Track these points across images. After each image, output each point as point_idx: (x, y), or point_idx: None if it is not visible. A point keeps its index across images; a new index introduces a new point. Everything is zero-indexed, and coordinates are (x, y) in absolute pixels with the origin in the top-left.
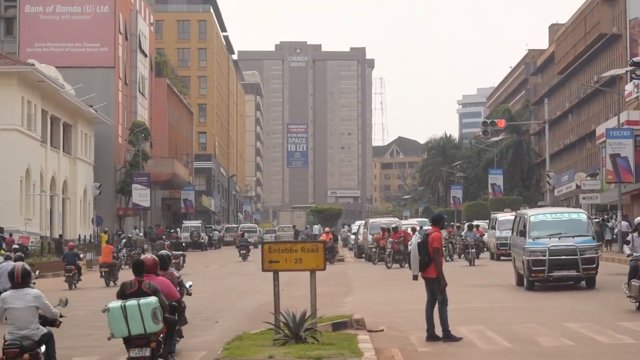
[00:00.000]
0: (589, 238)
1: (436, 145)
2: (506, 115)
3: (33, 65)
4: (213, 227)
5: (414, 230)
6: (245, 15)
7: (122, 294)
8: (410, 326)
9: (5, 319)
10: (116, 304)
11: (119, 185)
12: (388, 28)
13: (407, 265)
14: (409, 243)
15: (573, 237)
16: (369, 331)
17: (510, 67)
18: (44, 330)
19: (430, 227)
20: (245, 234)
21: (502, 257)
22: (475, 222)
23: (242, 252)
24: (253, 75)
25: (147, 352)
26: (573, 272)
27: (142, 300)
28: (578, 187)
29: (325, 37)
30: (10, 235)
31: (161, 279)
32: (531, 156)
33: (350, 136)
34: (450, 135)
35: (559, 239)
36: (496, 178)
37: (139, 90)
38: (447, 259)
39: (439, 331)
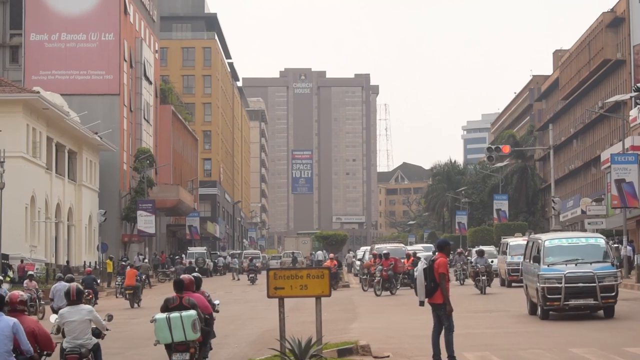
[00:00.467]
0: (607, 264)
1: (441, 171)
2: (511, 141)
3: (38, 92)
4: (218, 253)
5: (408, 256)
6: (250, 42)
7: (166, 308)
8: (416, 352)
9: (63, 332)
10: (162, 315)
11: (124, 212)
12: (392, 54)
13: (396, 292)
14: (415, 270)
15: (591, 263)
16: (375, 357)
17: (515, 92)
18: (95, 340)
19: (436, 253)
20: (253, 259)
21: (513, 284)
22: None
23: (250, 275)
24: (258, 102)
25: (187, 356)
26: (591, 301)
27: (184, 313)
28: (583, 212)
29: (330, 64)
30: (22, 261)
31: (197, 295)
32: (536, 182)
33: (355, 162)
34: (455, 161)
35: (576, 265)
36: (501, 204)
37: (144, 117)
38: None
39: (445, 357)
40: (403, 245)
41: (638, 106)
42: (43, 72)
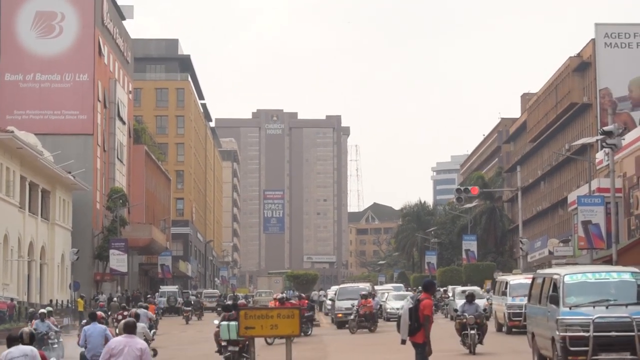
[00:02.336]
0: None
1: (411, 211)
2: (479, 183)
3: (12, 132)
4: (190, 292)
5: (364, 297)
6: (223, 83)
7: (224, 318)
8: None
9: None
10: (224, 323)
11: (96, 251)
12: (363, 96)
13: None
14: (400, 308)
15: (626, 305)
16: None
17: (484, 135)
18: None
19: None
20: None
21: (514, 329)
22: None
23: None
24: (230, 142)
25: (236, 348)
26: (627, 355)
27: (233, 323)
28: (551, 253)
29: (302, 105)
30: (12, 300)
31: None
32: (504, 222)
33: (326, 202)
34: (424, 201)
35: (607, 308)
36: (470, 244)
37: (117, 157)
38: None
39: None
40: (369, 284)
41: (604, 149)
42: (17, 112)
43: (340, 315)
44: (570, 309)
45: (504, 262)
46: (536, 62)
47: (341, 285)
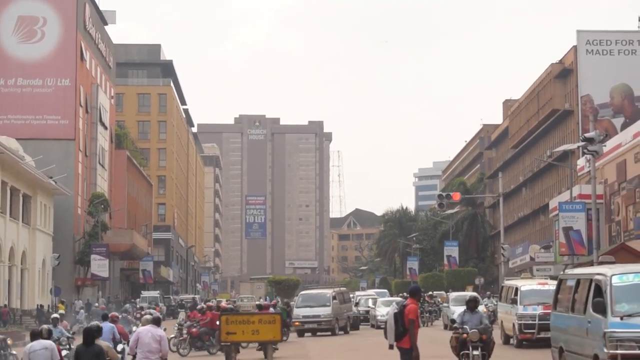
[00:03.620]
0: None
1: (393, 217)
2: (461, 189)
3: None
4: (172, 297)
5: (260, 307)
6: (205, 88)
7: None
8: None
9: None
10: None
11: (77, 256)
12: (345, 102)
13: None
14: (386, 314)
15: None
16: None
17: (466, 141)
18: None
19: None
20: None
21: (524, 343)
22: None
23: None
24: (212, 148)
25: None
26: None
27: None
28: (532, 259)
29: (284, 111)
30: (5, 306)
31: None
32: (486, 228)
33: (308, 208)
34: (406, 207)
35: None
36: (452, 250)
37: (99, 162)
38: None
39: None
40: (331, 290)
41: (585, 156)
42: None
43: (297, 323)
44: (621, 319)
45: (485, 268)
46: (518, 69)
47: (303, 292)
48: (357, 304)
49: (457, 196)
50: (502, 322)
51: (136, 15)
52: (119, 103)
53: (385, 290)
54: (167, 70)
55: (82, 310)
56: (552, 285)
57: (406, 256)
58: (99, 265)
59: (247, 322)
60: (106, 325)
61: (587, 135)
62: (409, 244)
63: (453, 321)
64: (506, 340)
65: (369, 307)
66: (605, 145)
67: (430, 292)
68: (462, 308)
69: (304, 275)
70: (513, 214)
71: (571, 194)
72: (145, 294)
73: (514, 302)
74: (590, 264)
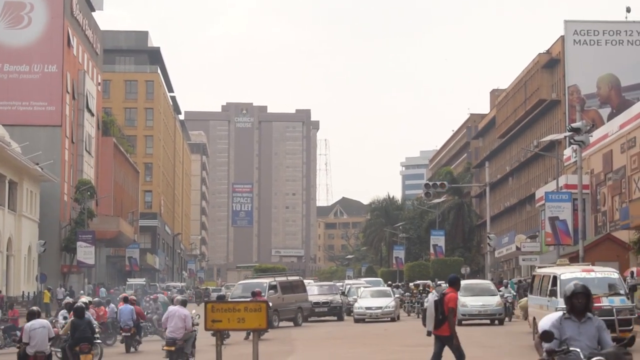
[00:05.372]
0: None
1: (379, 206)
2: (448, 178)
3: None
4: (158, 285)
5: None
6: (192, 76)
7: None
8: None
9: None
10: None
11: (63, 243)
12: (333, 91)
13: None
14: (425, 300)
15: None
16: None
17: (453, 130)
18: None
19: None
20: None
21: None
22: (419, 282)
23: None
24: (199, 135)
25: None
26: None
27: None
28: (518, 248)
29: (271, 99)
30: (0, 292)
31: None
32: (472, 218)
33: (295, 196)
34: (393, 196)
35: None
36: (438, 239)
37: (86, 149)
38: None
39: None
40: (274, 279)
41: (572, 146)
42: None
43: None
44: None
45: (471, 258)
46: (505, 59)
47: (242, 281)
48: (345, 293)
49: (444, 185)
50: (535, 319)
51: (124, 2)
52: (105, 90)
53: (380, 279)
54: (155, 57)
55: (68, 297)
56: (599, 272)
57: (392, 245)
58: (85, 253)
59: (233, 310)
60: (126, 307)
61: (573, 125)
62: (395, 232)
63: (547, 336)
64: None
65: (352, 298)
66: (591, 136)
67: (417, 283)
68: (476, 299)
69: (291, 264)
70: (499, 204)
71: (557, 184)
72: (131, 281)
73: (552, 294)
74: (576, 254)
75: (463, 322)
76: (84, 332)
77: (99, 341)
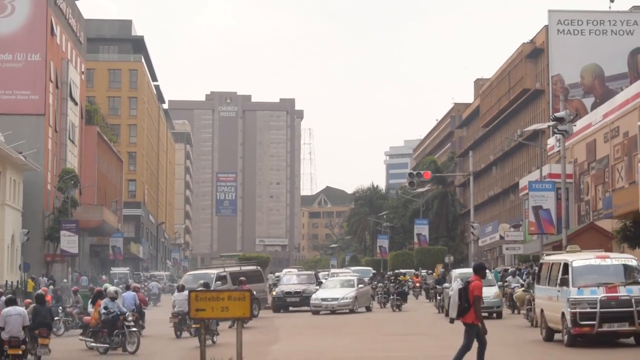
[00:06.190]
0: None
1: (363, 195)
2: (432, 167)
3: None
4: (142, 274)
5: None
6: (176, 65)
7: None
8: None
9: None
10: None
11: (47, 232)
12: (317, 80)
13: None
14: (450, 289)
15: None
16: None
17: (437, 120)
18: None
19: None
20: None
21: (579, 339)
22: (402, 271)
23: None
24: (183, 125)
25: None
26: None
27: None
28: (502, 237)
29: (255, 88)
30: None
31: None
32: (456, 207)
33: (279, 185)
34: (377, 185)
35: None
36: (422, 228)
37: (69, 138)
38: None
39: None
40: (223, 269)
41: (555, 135)
42: None
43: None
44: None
45: (455, 247)
46: (489, 48)
47: (189, 272)
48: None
49: (427, 174)
50: (542, 311)
51: None
52: (89, 79)
53: (370, 268)
54: (138, 46)
55: (51, 287)
56: (615, 259)
57: (376, 234)
58: (69, 242)
59: (217, 299)
60: (129, 294)
61: (557, 114)
62: (379, 222)
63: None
64: (549, 336)
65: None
66: (575, 125)
67: (397, 271)
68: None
69: (275, 253)
70: (483, 193)
71: (541, 173)
72: (115, 270)
73: (563, 283)
74: (560, 243)
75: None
76: (44, 317)
77: (134, 329)
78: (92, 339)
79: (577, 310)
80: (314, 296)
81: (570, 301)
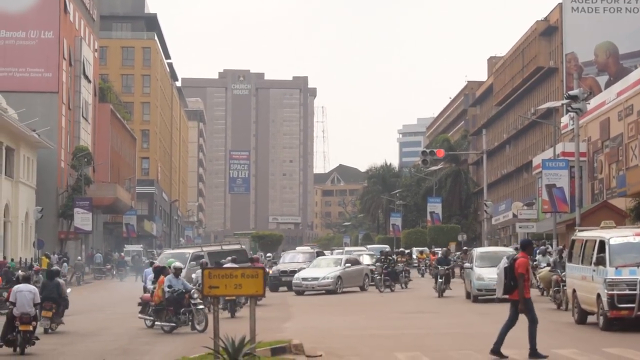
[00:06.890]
0: None
1: (376, 173)
2: (445, 145)
3: None
4: (155, 251)
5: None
6: (189, 43)
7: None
8: (347, 351)
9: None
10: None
11: (60, 209)
12: (330, 58)
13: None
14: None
15: None
16: (308, 356)
17: (450, 98)
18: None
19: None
20: None
21: (616, 323)
22: (420, 249)
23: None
24: (196, 102)
25: None
26: None
27: None
28: (515, 216)
29: (268, 66)
30: (5, 257)
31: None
32: (469, 185)
33: (292, 163)
34: (390, 163)
35: None
36: (435, 206)
37: (82, 116)
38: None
39: (504, 350)
40: (211, 248)
41: (569, 113)
42: None
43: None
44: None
45: (468, 225)
46: (503, 26)
47: (171, 250)
48: None
49: (441, 153)
50: (575, 291)
51: None
52: (102, 56)
53: (387, 246)
54: (151, 23)
55: (65, 264)
56: None
57: (389, 212)
58: (82, 219)
59: (230, 276)
60: (149, 271)
61: (571, 92)
62: (392, 200)
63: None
64: (582, 318)
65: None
66: (589, 103)
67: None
68: (493, 271)
69: (287, 231)
70: (496, 171)
71: (554, 151)
72: (128, 247)
73: (599, 262)
74: (573, 221)
75: (479, 297)
76: (50, 292)
77: (201, 307)
78: (152, 317)
79: (615, 292)
80: (296, 275)
81: (608, 282)
